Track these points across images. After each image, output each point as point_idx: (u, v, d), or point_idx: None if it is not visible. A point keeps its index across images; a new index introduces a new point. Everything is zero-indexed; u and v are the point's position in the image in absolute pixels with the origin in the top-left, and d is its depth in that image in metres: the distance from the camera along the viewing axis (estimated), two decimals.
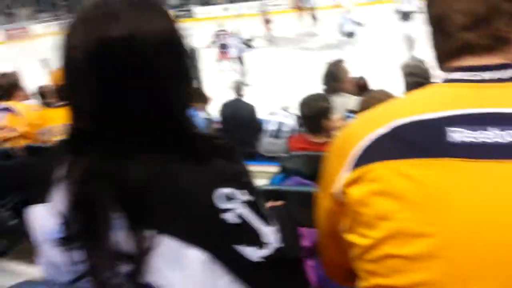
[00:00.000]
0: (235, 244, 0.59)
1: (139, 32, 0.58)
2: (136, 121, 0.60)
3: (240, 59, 10.19)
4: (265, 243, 0.61)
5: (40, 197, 0.65)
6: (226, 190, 0.58)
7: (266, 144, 3.92)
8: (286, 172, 2.34)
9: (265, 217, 0.62)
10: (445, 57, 0.67)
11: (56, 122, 2.69)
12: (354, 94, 2.89)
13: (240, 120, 4.50)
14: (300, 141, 2.36)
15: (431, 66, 2.68)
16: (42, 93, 4.52)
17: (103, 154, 0.59)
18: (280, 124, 3.97)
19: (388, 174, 0.56)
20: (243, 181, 0.62)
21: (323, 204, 0.69)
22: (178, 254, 0.57)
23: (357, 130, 0.63)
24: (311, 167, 2.25)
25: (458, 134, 0.55)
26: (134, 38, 0.57)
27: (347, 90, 2.84)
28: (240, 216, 0.59)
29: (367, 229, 0.57)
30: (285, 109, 4.15)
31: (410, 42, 3.65)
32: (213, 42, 10.74)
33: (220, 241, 0.58)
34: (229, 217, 0.58)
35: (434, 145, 0.56)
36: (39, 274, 0.70)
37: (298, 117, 2.44)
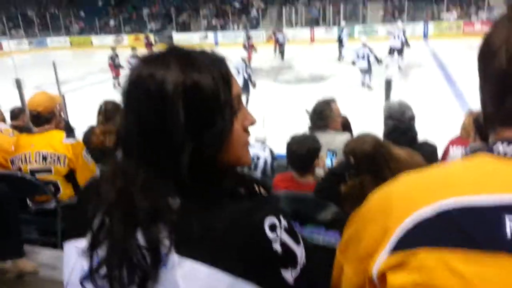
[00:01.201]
0: (282, 270, 0.61)
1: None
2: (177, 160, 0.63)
3: (245, 88, 9.66)
4: (298, 263, 0.63)
5: (78, 231, 0.68)
6: (271, 220, 0.61)
7: None
8: None
9: (297, 237, 0.65)
10: (499, 120, 0.59)
11: (31, 149, 2.57)
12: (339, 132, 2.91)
13: None
14: (285, 180, 2.34)
15: (412, 111, 2.72)
16: (15, 115, 4.35)
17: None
18: (256, 156, 3.92)
19: (434, 266, 0.50)
20: (278, 208, 0.66)
21: (350, 278, 0.62)
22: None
23: (400, 205, 0.56)
24: (295, 208, 2.22)
25: None
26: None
27: (333, 128, 2.84)
28: (284, 243, 0.61)
29: None
30: (261, 141, 4.12)
31: (387, 83, 3.73)
32: None
33: (272, 271, 0.61)
34: (277, 247, 0.60)
35: (489, 236, 0.48)
36: None
37: (286, 152, 2.39)
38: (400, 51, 13.16)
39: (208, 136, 0.63)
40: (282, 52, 17.57)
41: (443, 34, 21.97)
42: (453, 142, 3.09)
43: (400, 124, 2.56)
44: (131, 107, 0.65)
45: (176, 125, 0.61)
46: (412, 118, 2.60)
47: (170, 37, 26.80)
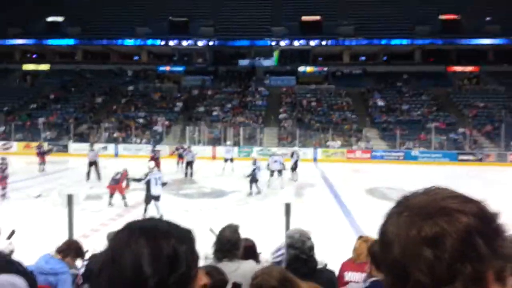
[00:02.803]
0: None
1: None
2: None
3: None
4: None
5: None
6: None
7: None
8: None
9: None
10: None
11: None
12: (242, 258, 2.84)
13: None
14: None
15: (311, 240, 2.84)
16: None
17: None
18: None
19: None
20: None
21: None
22: None
23: None
24: None
25: None
26: None
27: (239, 256, 2.78)
28: None
29: None
30: None
31: (287, 206, 3.99)
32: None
33: None
34: None
35: None
36: None
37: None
38: (280, 172, 15.21)
39: None
40: (189, 170, 17.22)
41: (330, 159, 24.60)
42: (346, 266, 3.34)
43: (301, 254, 2.66)
44: (115, 276, 0.73)
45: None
46: (312, 248, 2.72)
47: (66, 146, 25.78)
